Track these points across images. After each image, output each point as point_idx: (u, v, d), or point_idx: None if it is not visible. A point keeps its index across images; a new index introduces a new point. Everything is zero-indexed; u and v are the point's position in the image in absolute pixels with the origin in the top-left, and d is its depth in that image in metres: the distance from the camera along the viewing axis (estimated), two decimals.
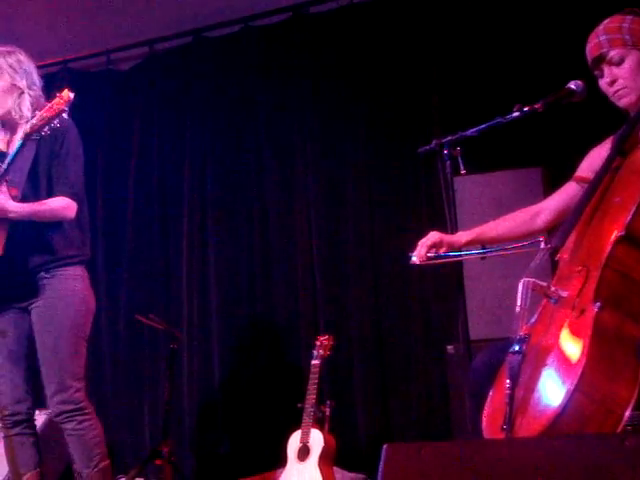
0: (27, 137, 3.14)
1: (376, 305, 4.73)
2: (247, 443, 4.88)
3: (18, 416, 3.34)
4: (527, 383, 2.13)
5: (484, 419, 2.26)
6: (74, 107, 5.24)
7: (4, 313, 3.33)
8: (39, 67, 3.53)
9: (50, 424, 4.04)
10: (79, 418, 3.25)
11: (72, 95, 3.12)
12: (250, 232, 5.09)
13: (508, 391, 2.12)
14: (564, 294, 2.25)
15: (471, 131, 2.99)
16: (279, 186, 5.05)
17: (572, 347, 2.11)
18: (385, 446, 1.92)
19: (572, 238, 2.40)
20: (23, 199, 3.22)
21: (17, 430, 3.35)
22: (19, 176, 3.19)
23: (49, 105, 3.13)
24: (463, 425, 3.87)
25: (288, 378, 4.85)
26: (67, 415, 3.25)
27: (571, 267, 2.34)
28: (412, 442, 3.80)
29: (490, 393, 2.30)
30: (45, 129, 3.13)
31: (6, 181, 3.16)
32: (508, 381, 2.13)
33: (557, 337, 2.17)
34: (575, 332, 2.14)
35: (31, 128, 3.13)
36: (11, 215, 3.15)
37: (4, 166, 3.16)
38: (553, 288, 2.28)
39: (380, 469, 1.89)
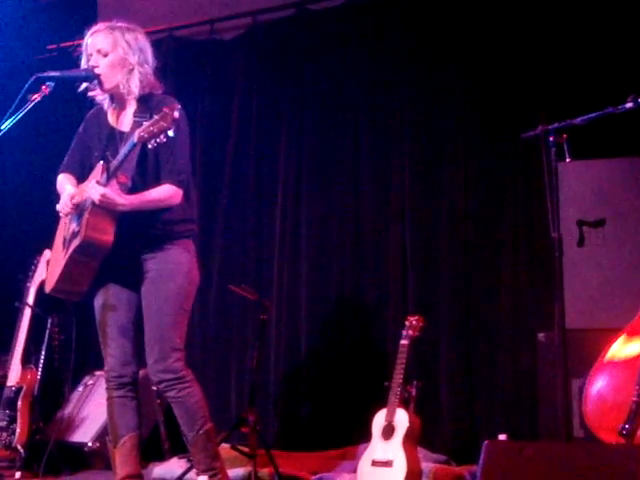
0: (138, 143, 3.15)
1: (466, 288, 4.68)
2: (330, 416, 4.91)
3: (124, 378, 3.46)
4: None
5: (589, 412, 2.20)
6: (178, 74, 5.37)
7: (115, 291, 3.46)
8: (146, 34, 3.56)
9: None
10: (179, 386, 3.35)
11: (177, 114, 3.07)
12: (343, 208, 5.08)
13: (636, 398, 2.04)
14: None
15: (580, 119, 2.94)
16: (374, 167, 5.02)
17: None
18: (486, 442, 1.91)
19: None
20: (132, 186, 3.31)
21: (121, 392, 3.47)
22: (129, 164, 3.27)
23: (156, 118, 3.08)
24: (551, 414, 3.85)
25: (373, 355, 4.86)
26: (167, 384, 3.36)
27: None
28: (497, 430, 3.83)
29: (599, 384, 2.23)
30: (151, 142, 3.11)
31: (115, 176, 3.24)
32: (638, 387, 2.05)
33: None
34: None
35: (139, 139, 3.10)
36: (120, 208, 3.24)
37: (115, 163, 3.23)
38: None
39: (480, 464, 1.87)
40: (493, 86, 4.69)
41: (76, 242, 3.26)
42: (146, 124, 3.11)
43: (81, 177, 3.49)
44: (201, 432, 3.40)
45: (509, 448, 1.86)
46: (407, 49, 4.95)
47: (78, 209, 3.33)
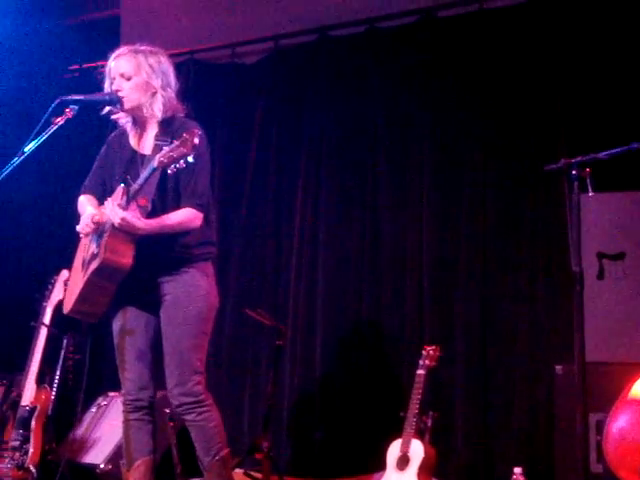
0: (157, 168, 3.14)
1: (483, 319, 4.66)
2: (343, 443, 4.89)
3: (140, 402, 3.46)
4: None
5: (610, 450, 2.17)
6: (199, 97, 5.40)
7: (133, 314, 3.45)
8: (168, 56, 3.55)
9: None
10: (198, 410, 3.34)
11: (197, 141, 3.08)
12: (361, 235, 5.08)
13: None
14: None
15: (604, 154, 2.92)
16: (392, 193, 5.02)
17: None
18: None
19: None
20: (152, 209, 3.30)
21: (137, 415, 3.47)
22: (149, 187, 3.26)
23: (177, 144, 3.08)
24: (567, 447, 3.81)
25: (388, 383, 4.84)
26: (187, 407, 3.35)
27: None
28: (513, 463, 3.78)
29: (621, 422, 2.21)
30: (171, 167, 3.10)
31: (135, 200, 3.24)
32: None
33: None
34: None
35: (159, 164, 3.09)
36: (140, 232, 3.24)
37: (136, 186, 3.22)
38: None
39: None
40: (514, 117, 4.69)
41: (95, 264, 3.26)
42: (166, 149, 3.11)
43: (102, 199, 3.47)
44: (217, 458, 3.38)
45: None
46: (427, 77, 4.96)
47: (98, 230, 3.33)
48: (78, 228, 3.40)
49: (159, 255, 3.36)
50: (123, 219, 3.18)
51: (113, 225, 3.21)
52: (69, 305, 3.44)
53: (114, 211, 3.20)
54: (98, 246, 3.29)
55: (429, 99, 4.94)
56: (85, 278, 3.32)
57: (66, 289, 3.64)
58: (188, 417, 3.36)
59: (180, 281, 3.37)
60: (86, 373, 5.23)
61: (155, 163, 3.12)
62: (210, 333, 3.46)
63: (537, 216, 4.59)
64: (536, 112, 4.62)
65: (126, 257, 3.23)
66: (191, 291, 3.38)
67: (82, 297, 3.33)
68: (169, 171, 3.13)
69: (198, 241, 3.42)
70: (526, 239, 4.62)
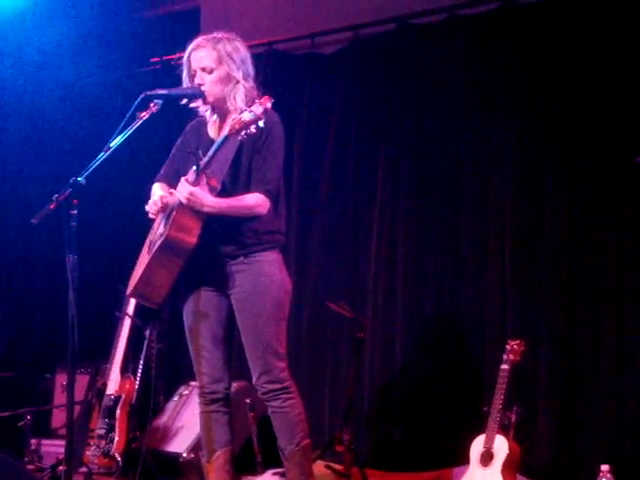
0: (229, 135, 3.18)
1: (568, 313, 4.54)
2: (424, 437, 4.85)
3: (216, 394, 3.46)
4: None
5: None
6: (277, 87, 5.40)
7: (205, 297, 3.43)
8: (246, 47, 3.53)
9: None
10: (284, 396, 3.35)
11: (269, 104, 3.12)
12: (441, 228, 5.00)
13: None
14: None
15: None
16: (474, 185, 4.93)
17: None
18: None
19: None
20: (222, 190, 3.30)
21: (214, 407, 3.47)
22: (220, 168, 3.26)
23: (248, 110, 3.14)
24: None
25: (470, 378, 4.77)
26: (273, 394, 3.35)
27: None
28: (599, 460, 3.69)
29: None
30: (242, 133, 3.13)
31: (205, 174, 3.24)
32: None
33: None
34: None
35: (230, 130, 3.15)
36: (206, 209, 3.23)
37: (206, 159, 3.23)
38: None
39: None
40: (598, 110, 4.54)
41: (160, 242, 3.24)
42: (237, 116, 3.12)
43: (176, 187, 3.44)
44: (299, 447, 3.37)
45: None
46: (511, 69, 4.84)
47: (167, 212, 3.33)
48: (147, 207, 3.39)
49: (229, 238, 3.33)
50: (191, 193, 3.17)
51: (181, 202, 3.20)
52: (131, 286, 3.40)
53: (183, 186, 3.21)
54: (165, 225, 3.27)
55: (512, 87, 4.83)
56: (150, 258, 3.29)
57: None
58: (274, 403, 3.35)
59: (252, 271, 3.35)
60: (167, 363, 5.36)
61: (226, 131, 3.12)
62: (287, 318, 3.44)
63: (624, 210, 4.45)
64: (621, 106, 4.46)
65: (191, 235, 3.21)
66: (264, 280, 3.36)
67: (145, 277, 3.29)
68: (239, 137, 3.12)
69: (267, 229, 3.39)
70: (614, 232, 4.47)
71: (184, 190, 3.19)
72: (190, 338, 3.47)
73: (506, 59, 4.86)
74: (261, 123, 3.08)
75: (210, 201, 3.23)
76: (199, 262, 3.30)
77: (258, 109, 3.08)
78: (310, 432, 5.10)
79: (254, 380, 3.38)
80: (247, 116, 3.08)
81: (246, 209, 3.32)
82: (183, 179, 3.25)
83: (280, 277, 3.42)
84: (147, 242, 3.50)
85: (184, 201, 3.19)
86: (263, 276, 3.36)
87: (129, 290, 3.44)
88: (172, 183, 3.48)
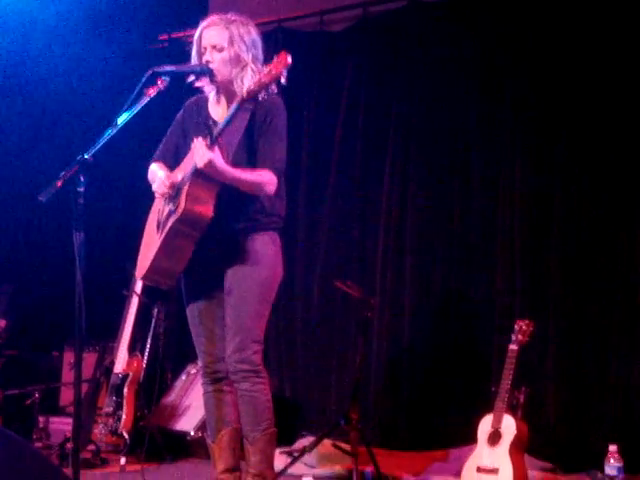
0: (243, 101, 3.14)
1: (576, 294, 4.54)
2: (430, 416, 4.86)
3: (218, 374, 3.41)
4: None
5: None
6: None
7: (204, 276, 3.38)
8: (256, 25, 3.48)
9: None
10: (254, 380, 3.27)
11: (290, 59, 3.08)
12: (450, 206, 4.99)
13: None
14: None
15: None
16: (484, 166, 4.90)
17: None
18: None
19: None
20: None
21: (216, 387, 3.43)
22: (230, 141, 3.21)
23: (267, 70, 3.11)
24: None
25: (478, 358, 4.77)
26: (242, 374, 3.28)
27: None
28: (608, 440, 3.68)
29: None
30: (262, 94, 3.12)
31: (219, 144, 3.17)
32: None
33: None
34: None
35: (247, 93, 3.12)
36: (221, 178, 3.16)
37: (220, 126, 3.18)
38: None
39: None
40: (612, 96, 4.51)
41: (174, 217, 3.19)
42: (247, 86, 3.10)
43: (174, 166, 3.42)
44: (264, 433, 3.29)
45: None
46: (522, 45, 4.79)
47: (174, 190, 3.28)
48: (154, 187, 3.35)
49: (229, 217, 3.28)
50: (211, 160, 3.10)
51: (194, 173, 3.15)
52: (142, 270, 3.35)
53: (202, 149, 3.11)
54: (175, 203, 3.22)
55: (523, 68, 4.78)
56: (162, 237, 3.24)
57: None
58: (243, 386, 3.28)
59: (248, 248, 3.30)
60: (175, 341, 5.35)
61: (244, 93, 3.09)
62: (272, 303, 3.37)
63: (635, 198, 4.42)
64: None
65: (208, 206, 3.17)
66: (258, 258, 3.31)
67: (158, 259, 3.24)
68: (260, 98, 3.12)
69: (268, 211, 3.35)
70: (623, 216, 4.46)
71: (203, 156, 3.10)
72: (191, 318, 3.44)
73: (521, 40, 4.80)
74: (282, 79, 3.05)
75: (223, 166, 3.16)
76: (208, 238, 3.23)
77: (279, 67, 3.04)
78: (318, 411, 5.15)
79: (226, 357, 3.31)
80: (267, 77, 3.04)
81: (255, 184, 3.26)
82: (203, 143, 3.13)
83: (272, 260, 3.36)
84: (152, 223, 3.44)
85: (201, 164, 3.10)
86: (257, 254, 3.31)
87: (140, 274, 3.40)
88: (169, 162, 3.44)
